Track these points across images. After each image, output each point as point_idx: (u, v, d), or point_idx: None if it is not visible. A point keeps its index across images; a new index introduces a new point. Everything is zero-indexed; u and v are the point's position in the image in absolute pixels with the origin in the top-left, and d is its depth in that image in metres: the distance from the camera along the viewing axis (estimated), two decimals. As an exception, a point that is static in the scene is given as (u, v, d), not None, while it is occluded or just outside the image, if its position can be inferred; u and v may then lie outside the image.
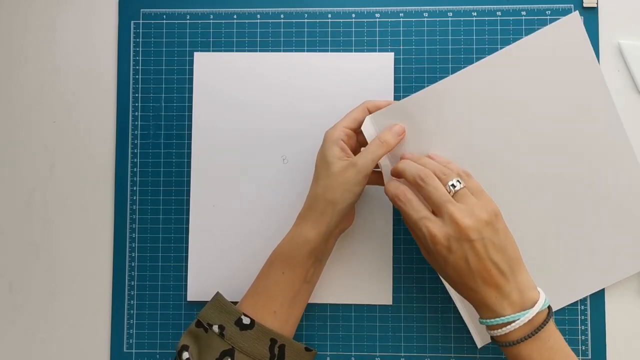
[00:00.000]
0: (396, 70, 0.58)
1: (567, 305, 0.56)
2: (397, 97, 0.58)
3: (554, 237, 0.54)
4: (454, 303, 0.56)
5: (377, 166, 0.51)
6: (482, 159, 0.53)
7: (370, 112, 0.52)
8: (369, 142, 0.51)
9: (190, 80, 0.60)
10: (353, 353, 0.57)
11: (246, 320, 0.49)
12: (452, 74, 0.57)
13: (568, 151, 0.53)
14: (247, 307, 0.50)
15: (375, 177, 0.53)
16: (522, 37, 0.58)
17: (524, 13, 0.58)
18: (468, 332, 0.56)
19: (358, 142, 0.53)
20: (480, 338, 0.56)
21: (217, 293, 0.52)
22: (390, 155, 0.52)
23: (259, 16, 0.60)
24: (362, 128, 0.51)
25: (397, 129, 0.51)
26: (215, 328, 0.48)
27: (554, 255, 0.55)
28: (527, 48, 0.51)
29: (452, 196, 0.46)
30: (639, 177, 0.54)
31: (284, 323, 0.50)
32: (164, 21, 0.60)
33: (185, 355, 0.47)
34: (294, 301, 0.51)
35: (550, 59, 0.51)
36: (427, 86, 0.51)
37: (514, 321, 0.44)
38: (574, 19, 0.51)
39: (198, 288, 0.58)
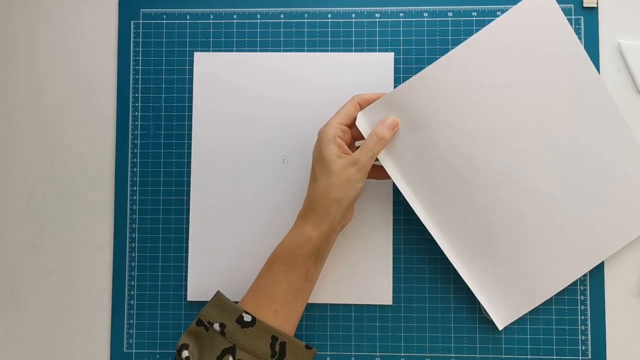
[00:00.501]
0: (396, 70, 0.58)
1: (567, 305, 0.56)
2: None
3: (550, 215, 0.54)
4: (454, 303, 0.56)
5: (376, 159, 0.52)
6: (476, 141, 0.53)
7: (361, 106, 0.52)
8: (364, 136, 0.51)
9: (190, 80, 0.60)
10: (353, 353, 0.57)
11: (247, 318, 0.49)
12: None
13: (558, 129, 0.53)
14: (248, 306, 0.50)
15: (374, 171, 0.53)
16: (522, 37, 0.58)
17: (524, 13, 0.58)
18: (468, 332, 0.56)
19: (352, 136, 0.53)
20: (501, 320, 0.56)
21: (218, 292, 0.52)
22: (386, 148, 0.53)
23: (259, 16, 0.60)
24: (357, 124, 0.52)
25: (390, 122, 0.51)
26: (217, 326, 0.48)
27: (552, 232, 0.55)
28: (503, 27, 0.51)
29: None
30: (628, 140, 0.54)
31: (285, 322, 0.50)
32: (164, 21, 0.60)
33: (185, 353, 0.48)
34: (295, 300, 0.51)
35: (528, 35, 0.52)
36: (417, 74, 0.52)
37: None
38: None
39: (198, 288, 0.58)
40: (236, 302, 0.51)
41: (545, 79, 0.52)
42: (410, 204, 0.54)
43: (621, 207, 0.55)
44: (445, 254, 0.54)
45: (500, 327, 0.56)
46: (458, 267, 0.55)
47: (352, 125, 0.52)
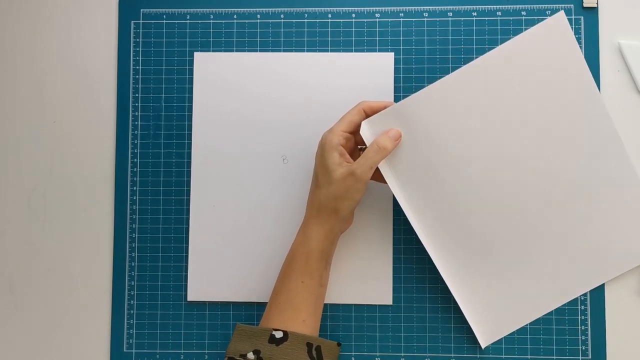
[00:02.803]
0: (396, 70, 0.58)
1: (567, 305, 0.56)
2: (397, 97, 0.58)
3: (549, 239, 0.55)
4: (454, 303, 0.56)
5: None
6: (479, 160, 0.53)
7: (366, 114, 0.52)
8: (367, 145, 0.51)
9: (190, 80, 0.60)
10: (353, 353, 0.57)
11: (279, 334, 0.49)
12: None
13: (561, 150, 0.53)
14: (277, 323, 0.50)
15: (378, 174, 0.53)
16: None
17: (524, 13, 0.58)
18: (468, 332, 0.56)
19: (356, 142, 0.54)
20: (484, 338, 0.56)
21: (237, 324, 0.52)
22: (387, 159, 0.53)
23: (259, 16, 0.60)
24: (361, 133, 0.52)
25: (393, 133, 0.51)
26: (251, 355, 0.48)
27: (550, 255, 0.55)
28: (515, 49, 0.51)
29: None
30: (629, 173, 0.55)
31: (313, 329, 0.51)
32: (164, 21, 0.60)
33: None
34: (316, 306, 0.52)
35: (539, 59, 0.52)
36: (426, 86, 0.52)
37: None
38: (560, 19, 0.51)
39: (198, 288, 0.58)
40: (252, 316, 0.53)
41: (552, 104, 0.52)
42: (406, 215, 0.54)
43: (621, 235, 0.55)
44: (437, 267, 0.54)
45: (483, 345, 0.56)
46: (448, 282, 0.55)
47: (355, 132, 0.52)
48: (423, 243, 0.54)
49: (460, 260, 0.55)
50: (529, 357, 0.56)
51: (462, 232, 0.54)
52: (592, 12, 0.58)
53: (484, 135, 0.53)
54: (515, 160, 0.53)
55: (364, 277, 0.57)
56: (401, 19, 0.59)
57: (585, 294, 0.56)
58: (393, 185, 0.53)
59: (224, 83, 0.59)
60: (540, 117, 0.53)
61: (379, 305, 0.57)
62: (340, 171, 0.50)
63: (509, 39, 0.58)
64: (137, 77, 0.60)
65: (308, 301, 0.51)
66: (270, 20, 0.60)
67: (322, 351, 0.50)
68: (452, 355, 0.57)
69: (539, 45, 0.51)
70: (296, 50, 0.59)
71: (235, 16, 0.60)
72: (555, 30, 0.51)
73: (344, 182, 0.50)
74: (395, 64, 0.58)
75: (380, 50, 0.59)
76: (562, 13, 0.51)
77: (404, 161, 0.53)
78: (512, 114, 0.52)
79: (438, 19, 0.59)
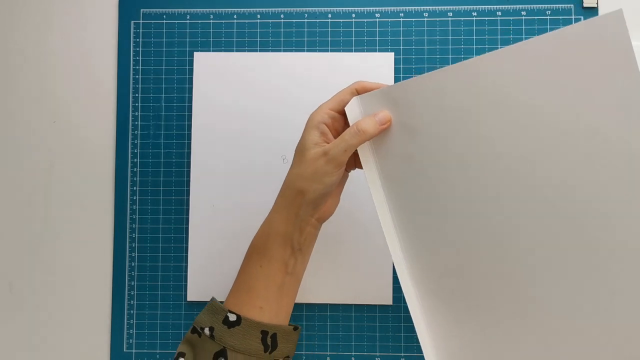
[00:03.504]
0: (396, 70, 0.58)
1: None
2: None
3: (560, 293, 0.42)
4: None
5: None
6: (480, 170, 0.43)
7: (358, 94, 0.47)
8: (350, 124, 0.46)
9: (190, 80, 0.60)
10: (353, 353, 0.57)
11: (232, 317, 0.47)
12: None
13: (588, 171, 0.40)
14: (233, 305, 0.48)
15: (355, 161, 0.49)
16: (522, 38, 0.58)
17: (524, 13, 0.58)
18: (468, 332, 0.56)
19: (345, 123, 0.48)
20: None
21: (212, 298, 0.50)
22: (373, 144, 0.47)
23: (259, 16, 0.60)
24: (346, 109, 0.46)
25: (381, 116, 0.46)
26: (207, 331, 0.47)
27: (559, 318, 0.43)
28: (548, 45, 0.40)
29: None
30: None
31: (274, 316, 0.48)
32: (164, 21, 0.60)
33: None
34: (279, 294, 0.48)
35: (577, 61, 0.40)
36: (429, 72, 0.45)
37: None
38: (617, 19, 0.40)
39: (198, 288, 0.58)
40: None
41: (583, 114, 0.40)
42: (378, 211, 0.47)
43: None
44: (400, 278, 0.47)
45: None
46: (407, 292, 0.47)
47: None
48: (389, 247, 0.47)
49: (432, 279, 0.46)
50: (529, 357, 0.56)
51: (441, 246, 0.45)
52: (592, 12, 0.58)
53: (488, 141, 0.43)
54: (522, 169, 0.42)
55: (364, 277, 0.57)
56: (401, 19, 0.59)
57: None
58: (371, 177, 0.47)
59: (224, 83, 0.59)
60: (566, 127, 0.40)
61: (379, 305, 0.57)
62: (313, 151, 0.45)
63: (509, 38, 0.58)
64: (137, 77, 0.60)
65: (267, 288, 0.47)
66: (270, 20, 0.60)
67: (278, 338, 0.47)
68: (452, 355, 0.57)
69: (582, 45, 0.39)
70: (296, 50, 0.59)
71: (235, 16, 0.60)
72: (607, 31, 0.40)
73: (315, 162, 0.45)
74: (395, 64, 0.59)
75: (380, 50, 0.59)
76: (620, 12, 0.40)
77: (390, 150, 0.46)
78: (530, 120, 0.41)
79: (438, 19, 0.59)
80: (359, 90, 0.48)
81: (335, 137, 0.46)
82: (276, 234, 0.47)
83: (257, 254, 0.48)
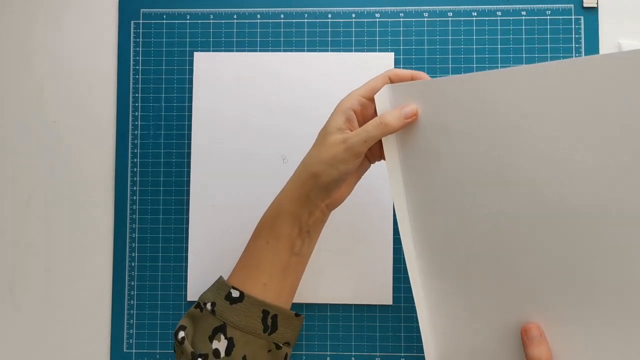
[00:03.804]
0: (396, 70, 0.58)
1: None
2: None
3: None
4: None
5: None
6: (501, 174, 0.42)
7: (391, 81, 0.47)
8: (378, 114, 0.46)
9: (190, 80, 0.60)
10: (353, 353, 0.57)
11: (235, 294, 0.47)
12: (452, 74, 0.57)
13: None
14: (236, 281, 0.48)
15: (380, 152, 0.48)
16: (522, 37, 0.58)
17: (524, 13, 0.58)
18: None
19: (375, 112, 0.47)
20: (432, 356, 0.48)
21: (220, 277, 0.50)
22: (400, 135, 0.46)
23: (259, 16, 0.60)
24: (376, 96, 0.45)
25: (407, 110, 0.45)
26: (209, 305, 0.47)
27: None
28: (602, 65, 0.38)
29: None
30: None
31: (276, 296, 0.47)
32: (164, 21, 0.60)
33: (181, 334, 0.46)
34: (284, 273, 0.47)
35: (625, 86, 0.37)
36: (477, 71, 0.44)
37: None
38: None
39: (198, 288, 0.58)
40: None
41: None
42: (394, 203, 0.47)
43: None
44: (409, 272, 0.48)
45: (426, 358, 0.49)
46: (417, 295, 0.47)
47: None
48: (402, 238, 0.47)
49: (439, 275, 0.46)
50: (529, 357, 0.56)
51: (453, 251, 0.45)
52: (592, 12, 0.58)
53: (524, 152, 0.41)
54: (569, 195, 0.40)
55: (364, 277, 0.57)
56: (401, 19, 0.59)
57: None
58: (392, 168, 0.47)
59: (224, 83, 0.59)
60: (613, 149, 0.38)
61: (379, 305, 0.57)
62: (335, 137, 0.45)
63: (509, 38, 0.58)
64: (137, 77, 0.60)
65: (272, 265, 0.47)
66: (270, 20, 0.60)
67: (279, 320, 0.47)
68: (452, 355, 0.57)
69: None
70: (296, 50, 0.59)
71: (235, 16, 0.60)
72: None
73: (333, 148, 0.45)
74: (395, 64, 0.58)
75: (380, 50, 0.59)
76: None
77: (417, 147, 0.45)
78: (572, 137, 0.39)
79: (438, 19, 0.59)
80: (392, 79, 0.47)
81: (363, 124, 0.46)
82: (285, 212, 0.47)
83: (265, 230, 0.48)
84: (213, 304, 0.47)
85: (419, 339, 0.57)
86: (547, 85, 0.39)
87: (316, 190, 0.46)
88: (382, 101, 0.45)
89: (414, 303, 0.48)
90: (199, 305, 0.48)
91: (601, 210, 0.39)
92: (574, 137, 0.39)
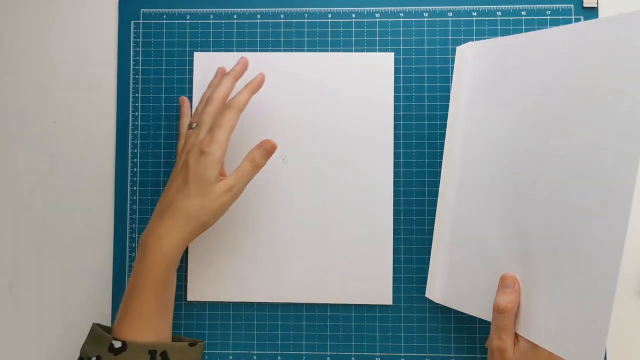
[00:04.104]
0: (396, 70, 0.58)
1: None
2: (397, 97, 0.58)
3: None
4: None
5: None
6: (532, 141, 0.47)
7: (240, 112, 0.52)
8: (456, 70, 0.54)
9: (190, 80, 0.60)
10: (353, 353, 0.57)
11: (117, 344, 0.48)
12: (452, 74, 0.57)
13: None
14: (120, 330, 0.49)
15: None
16: (522, 37, 0.58)
17: (524, 13, 0.58)
18: (468, 332, 0.56)
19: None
20: (431, 292, 0.54)
21: (93, 324, 0.51)
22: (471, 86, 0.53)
23: (259, 16, 0.60)
24: (458, 56, 0.55)
25: (268, 146, 0.51)
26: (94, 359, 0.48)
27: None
28: (607, 26, 0.43)
29: None
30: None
31: (163, 332, 0.50)
32: (164, 21, 0.60)
33: None
34: (167, 311, 0.51)
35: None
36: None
37: None
38: None
39: (198, 288, 0.58)
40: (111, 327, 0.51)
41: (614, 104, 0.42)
42: (446, 148, 0.54)
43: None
44: (438, 222, 0.54)
45: (426, 294, 0.55)
46: (439, 237, 0.54)
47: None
48: (441, 192, 0.54)
49: (459, 219, 0.52)
50: (529, 357, 0.56)
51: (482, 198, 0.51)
52: (592, 12, 0.58)
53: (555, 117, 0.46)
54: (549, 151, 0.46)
55: (364, 277, 0.57)
56: (401, 19, 0.59)
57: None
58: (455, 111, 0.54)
59: (224, 83, 0.59)
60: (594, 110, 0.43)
61: (379, 305, 0.57)
62: (219, 186, 0.49)
63: (509, 39, 0.58)
64: (137, 77, 0.60)
65: (161, 310, 0.50)
66: (270, 20, 0.60)
67: (170, 355, 0.49)
68: (452, 355, 0.57)
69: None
70: (296, 50, 0.59)
71: (235, 16, 0.60)
72: None
73: (220, 198, 0.49)
74: (395, 64, 0.58)
75: (380, 50, 0.59)
76: None
77: (482, 102, 0.52)
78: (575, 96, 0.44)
79: (438, 19, 0.59)
80: (241, 109, 0.52)
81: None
82: (174, 262, 0.50)
83: (153, 280, 0.49)
84: (98, 358, 0.48)
85: (419, 339, 0.57)
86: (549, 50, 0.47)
87: (201, 233, 0.51)
88: (463, 58, 0.54)
89: (430, 251, 0.55)
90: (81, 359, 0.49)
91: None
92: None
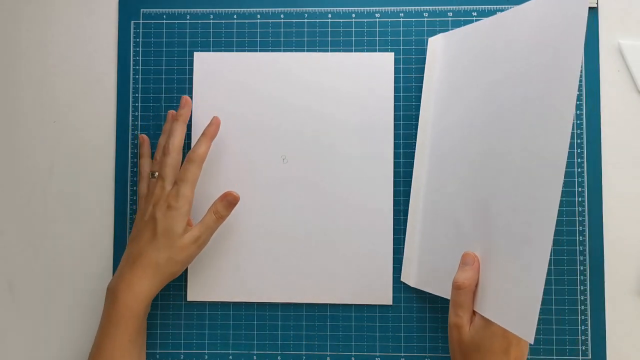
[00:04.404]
0: (396, 70, 0.58)
1: (567, 305, 0.56)
2: (397, 97, 0.58)
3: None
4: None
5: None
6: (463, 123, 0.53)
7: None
8: (428, 62, 0.57)
9: (190, 80, 0.60)
10: (353, 353, 0.57)
11: None
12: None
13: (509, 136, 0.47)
14: None
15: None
16: (522, 37, 0.58)
17: (524, 13, 0.58)
18: (468, 332, 0.56)
19: None
20: (405, 275, 0.57)
21: None
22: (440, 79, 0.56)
23: (259, 16, 0.60)
24: (430, 47, 0.57)
25: (230, 198, 0.54)
26: None
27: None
28: (526, 12, 0.47)
29: None
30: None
31: None
32: (164, 21, 0.60)
33: None
34: (142, 351, 0.54)
35: (540, 29, 0.45)
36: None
37: None
38: None
39: (198, 288, 0.58)
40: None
41: (525, 83, 0.46)
42: (419, 136, 0.57)
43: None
44: (412, 210, 0.56)
45: (402, 278, 0.57)
46: (412, 223, 0.56)
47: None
48: (414, 179, 0.57)
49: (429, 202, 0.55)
50: (528, 357, 0.56)
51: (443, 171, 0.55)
52: (592, 12, 0.58)
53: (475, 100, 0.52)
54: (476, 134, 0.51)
55: (364, 277, 0.57)
56: (401, 19, 0.59)
57: (585, 294, 0.56)
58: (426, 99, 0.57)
59: (224, 83, 0.59)
60: (509, 91, 0.47)
61: (379, 305, 0.57)
62: (186, 238, 0.52)
63: (509, 39, 0.58)
64: (137, 77, 0.60)
65: (132, 355, 0.51)
66: (270, 20, 0.60)
67: None
68: (452, 355, 0.57)
69: (547, 12, 0.45)
70: (296, 50, 0.59)
71: (235, 16, 0.60)
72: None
73: (187, 249, 0.52)
74: (395, 64, 0.58)
75: (380, 50, 0.59)
76: None
77: (451, 86, 0.55)
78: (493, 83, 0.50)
79: (438, 19, 0.59)
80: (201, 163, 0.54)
81: None
82: (144, 310, 0.52)
83: (126, 330, 0.51)
84: None
85: (419, 339, 0.57)
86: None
87: (169, 281, 0.54)
88: (434, 50, 0.57)
89: (405, 243, 0.57)
90: None
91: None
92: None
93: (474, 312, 0.47)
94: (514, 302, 0.43)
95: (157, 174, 0.54)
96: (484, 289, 0.47)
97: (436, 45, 0.57)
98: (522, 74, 0.46)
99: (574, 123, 0.57)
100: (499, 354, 0.44)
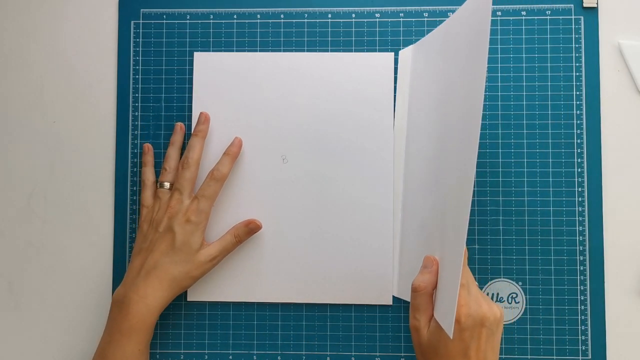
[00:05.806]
0: (396, 70, 0.58)
1: (567, 305, 0.56)
2: (397, 97, 0.58)
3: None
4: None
5: None
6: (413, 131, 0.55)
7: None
8: (399, 74, 0.57)
9: (190, 80, 0.60)
10: (353, 353, 0.57)
11: None
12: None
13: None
14: None
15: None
16: (522, 37, 0.58)
17: (523, 13, 0.58)
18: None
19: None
20: (398, 289, 0.56)
21: None
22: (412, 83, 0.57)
23: (259, 16, 0.60)
24: (401, 58, 0.58)
25: (252, 226, 0.56)
26: None
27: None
28: (452, 24, 0.51)
29: None
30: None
31: None
32: (164, 21, 0.60)
33: None
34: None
35: (459, 41, 0.48)
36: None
37: None
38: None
39: (198, 288, 0.58)
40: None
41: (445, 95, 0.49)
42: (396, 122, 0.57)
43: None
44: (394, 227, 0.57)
45: (394, 293, 0.57)
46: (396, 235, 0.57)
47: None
48: (394, 198, 0.57)
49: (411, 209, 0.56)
50: (529, 357, 0.56)
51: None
52: (592, 12, 0.58)
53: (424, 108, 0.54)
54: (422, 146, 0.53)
55: (364, 277, 0.57)
56: (401, 19, 0.59)
57: (585, 294, 0.56)
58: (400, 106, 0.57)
59: (224, 83, 0.59)
60: (439, 103, 0.51)
61: (379, 305, 0.57)
62: (202, 254, 0.54)
63: (509, 38, 0.58)
64: (137, 77, 0.60)
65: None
66: (270, 20, 0.60)
67: None
68: (452, 355, 0.57)
69: (468, 19, 0.46)
70: (296, 50, 0.59)
71: (235, 16, 0.60)
72: (477, 7, 0.44)
73: (204, 266, 0.54)
74: (395, 64, 0.58)
75: (380, 50, 0.59)
76: None
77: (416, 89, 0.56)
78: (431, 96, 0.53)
79: (438, 19, 0.59)
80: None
81: None
82: (155, 319, 0.53)
83: (138, 339, 0.51)
84: None
85: (419, 339, 0.57)
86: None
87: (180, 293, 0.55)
88: (405, 60, 0.58)
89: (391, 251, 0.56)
90: None
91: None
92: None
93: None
94: (445, 300, 0.45)
95: (167, 184, 0.55)
96: (438, 291, 0.48)
97: (406, 56, 0.58)
98: (455, 82, 0.48)
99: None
100: (457, 357, 0.44)
